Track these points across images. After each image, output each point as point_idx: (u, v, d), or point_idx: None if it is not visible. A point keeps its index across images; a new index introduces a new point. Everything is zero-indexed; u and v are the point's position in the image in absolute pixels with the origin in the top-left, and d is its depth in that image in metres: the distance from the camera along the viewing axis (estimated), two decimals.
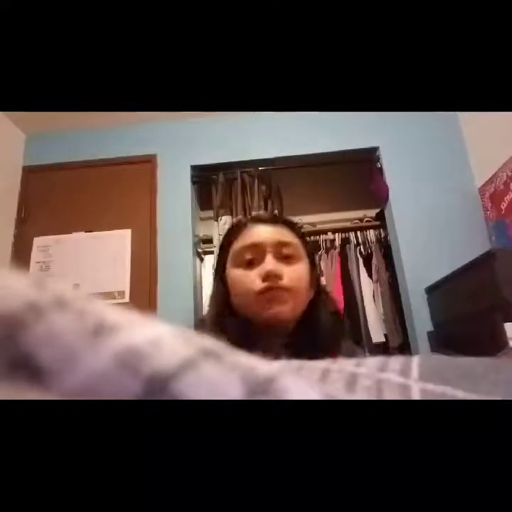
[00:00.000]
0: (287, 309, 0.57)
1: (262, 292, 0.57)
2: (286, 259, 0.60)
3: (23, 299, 0.10)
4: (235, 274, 0.61)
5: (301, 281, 0.60)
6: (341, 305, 2.21)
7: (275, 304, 0.57)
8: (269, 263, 0.58)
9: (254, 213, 0.64)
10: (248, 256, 0.60)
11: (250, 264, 0.60)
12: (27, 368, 0.10)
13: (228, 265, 0.63)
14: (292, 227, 0.65)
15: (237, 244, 0.62)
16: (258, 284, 0.57)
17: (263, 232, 0.61)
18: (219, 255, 0.67)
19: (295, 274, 0.59)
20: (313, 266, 0.66)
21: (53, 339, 0.10)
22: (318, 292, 0.65)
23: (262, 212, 0.63)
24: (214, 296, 0.65)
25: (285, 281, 0.57)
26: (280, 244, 0.60)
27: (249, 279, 0.59)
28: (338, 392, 0.17)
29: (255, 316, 0.58)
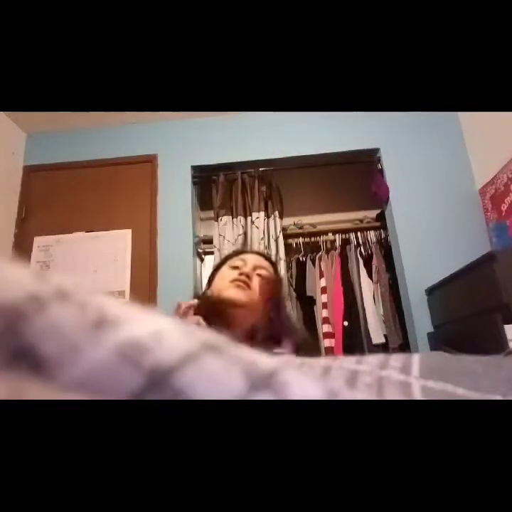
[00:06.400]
0: (245, 296, 0.82)
1: (232, 281, 0.84)
2: (259, 276, 0.87)
3: (25, 290, 0.10)
4: (222, 270, 0.90)
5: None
6: (341, 306, 2.21)
7: (238, 289, 0.82)
8: (248, 268, 0.86)
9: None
10: (234, 264, 0.89)
11: (234, 268, 0.88)
12: (29, 358, 0.10)
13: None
14: (270, 261, 0.96)
15: (230, 261, 0.92)
16: (232, 275, 0.85)
17: (249, 256, 0.93)
18: (215, 270, 0.94)
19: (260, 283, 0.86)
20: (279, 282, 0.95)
21: (55, 331, 0.10)
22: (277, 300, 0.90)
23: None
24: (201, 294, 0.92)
25: (251, 287, 0.83)
26: (258, 266, 0.89)
27: (228, 274, 0.86)
28: (339, 388, 0.17)
29: (221, 294, 0.83)
